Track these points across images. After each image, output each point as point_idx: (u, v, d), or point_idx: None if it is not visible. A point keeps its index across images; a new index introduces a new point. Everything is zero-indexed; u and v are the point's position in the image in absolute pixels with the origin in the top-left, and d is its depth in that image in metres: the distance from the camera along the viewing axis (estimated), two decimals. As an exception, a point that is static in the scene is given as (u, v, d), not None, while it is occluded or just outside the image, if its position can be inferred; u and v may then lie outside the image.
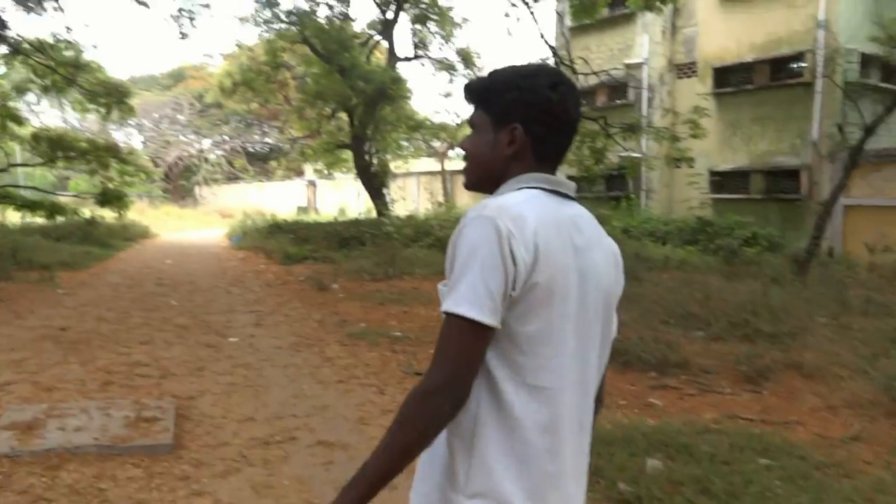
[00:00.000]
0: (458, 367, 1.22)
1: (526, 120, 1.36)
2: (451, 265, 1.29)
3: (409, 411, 1.22)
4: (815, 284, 9.50)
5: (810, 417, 4.66)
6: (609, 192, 18.54)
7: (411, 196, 27.36)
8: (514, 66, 1.43)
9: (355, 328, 7.62)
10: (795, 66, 14.71)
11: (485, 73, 1.50)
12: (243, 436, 4.23)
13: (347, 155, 20.10)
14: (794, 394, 5.18)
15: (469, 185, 1.50)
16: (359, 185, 23.22)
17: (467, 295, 1.21)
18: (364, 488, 1.22)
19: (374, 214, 19.40)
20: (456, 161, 32.04)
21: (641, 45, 17.58)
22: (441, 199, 25.12)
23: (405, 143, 21.54)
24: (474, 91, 1.45)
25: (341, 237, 16.29)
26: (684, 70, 17.36)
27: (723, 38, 16.09)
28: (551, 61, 13.63)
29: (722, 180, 16.23)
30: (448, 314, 1.23)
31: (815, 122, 14.46)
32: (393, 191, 20.10)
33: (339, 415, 4.70)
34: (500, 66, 1.49)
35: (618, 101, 18.03)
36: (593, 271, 1.36)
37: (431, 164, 27.67)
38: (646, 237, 15.70)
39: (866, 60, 14.11)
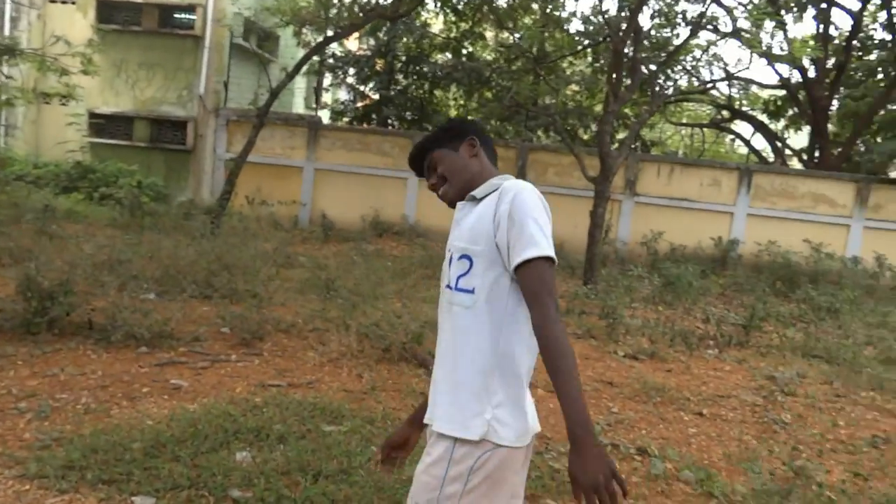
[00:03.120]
0: (556, 297, 1.56)
1: (474, 133, 1.83)
2: (501, 225, 1.60)
3: (560, 341, 1.50)
4: (231, 238, 9.85)
5: (322, 374, 4.92)
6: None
7: None
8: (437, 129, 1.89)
9: None
10: (185, 17, 14.67)
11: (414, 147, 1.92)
12: None
13: None
14: (290, 352, 5.37)
15: (455, 199, 1.79)
16: None
17: (544, 243, 1.57)
18: (580, 406, 1.46)
19: None
20: None
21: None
22: None
23: None
24: (426, 149, 1.85)
25: None
26: (59, -6, 15.31)
27: (107, -31, 14.78)
28: None
29: (104, 124, 15.16)
30: (540, 258, 1.56)
31: (202, 75, 14.79)
32: None
33: None
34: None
35: (-30, 14, 14.71)
36: None
37: None
38: (14, 182, 13.41)
39: (249, 26, 15.15)
